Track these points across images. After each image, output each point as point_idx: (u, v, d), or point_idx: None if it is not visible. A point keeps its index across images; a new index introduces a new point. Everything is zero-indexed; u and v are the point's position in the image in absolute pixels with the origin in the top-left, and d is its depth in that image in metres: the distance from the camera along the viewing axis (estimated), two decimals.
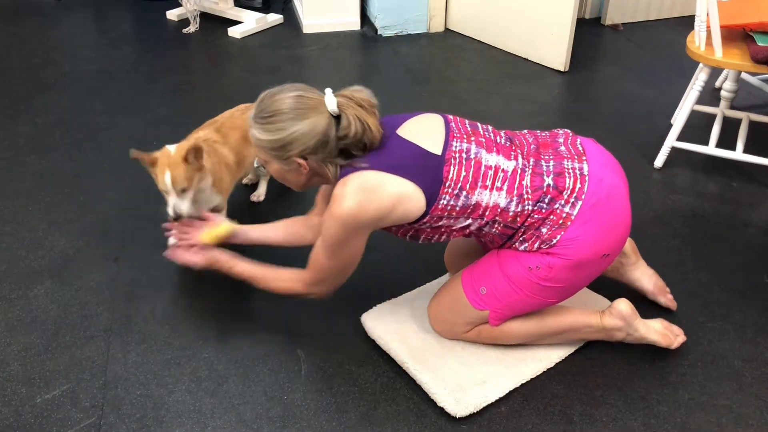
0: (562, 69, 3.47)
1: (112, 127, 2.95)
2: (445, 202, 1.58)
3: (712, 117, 2.95)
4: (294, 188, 1.73)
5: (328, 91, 1.58)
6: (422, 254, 2.17)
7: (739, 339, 1.88)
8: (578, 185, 1.60)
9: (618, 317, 1.74)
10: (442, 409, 1.65)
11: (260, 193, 2.50)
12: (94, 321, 1.94)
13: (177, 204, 1.95)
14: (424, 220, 1.61)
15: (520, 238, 1.63)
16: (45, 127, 2.95)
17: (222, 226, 1.91)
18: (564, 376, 1.76)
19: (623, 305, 1.74)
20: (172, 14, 4.19)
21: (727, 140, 2.71)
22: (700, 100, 3.03)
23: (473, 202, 1.59)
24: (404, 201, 1.56)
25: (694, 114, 2.97)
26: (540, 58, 3.57)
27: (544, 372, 1.76)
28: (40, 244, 2.24)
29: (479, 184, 1.59)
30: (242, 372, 1.78)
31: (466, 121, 1.70)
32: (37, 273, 2.12)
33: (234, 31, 3.94)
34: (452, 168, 1.58)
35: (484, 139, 1.64)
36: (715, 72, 3.26)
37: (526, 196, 1.59)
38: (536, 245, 1.61)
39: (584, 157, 1.65)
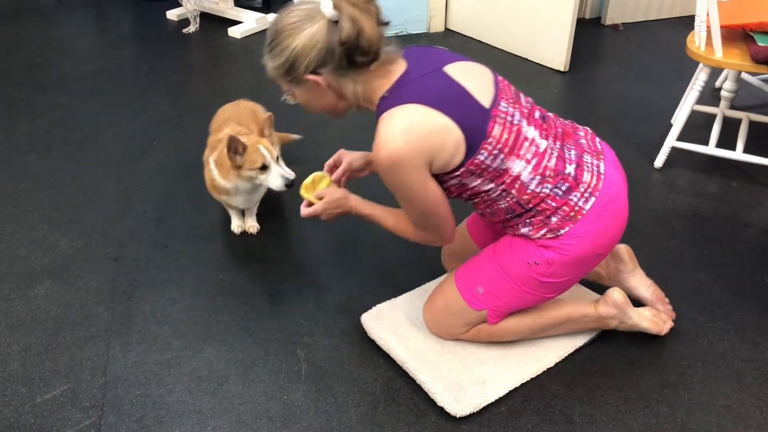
0: (562, 69, 3.47)
1: (112, 127, 2.95)
2: (482, 158, 1.53)
3: (712, 117, 2.95)
4: (332, 115, 1.63)
5: None
6: (422, 254, 2.17)
7: (739, 339, 1.88)
8: (594, 181, 1.61)
9: (612, 305, 1.79)
10: (442, 409, 1.65)
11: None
12: (94, 321, 1.94)
13: (282, 171, 1.96)
14: (457, 173, 1.55)
15: (527, 220, 1.62)
16: (45, 127, 2.95)
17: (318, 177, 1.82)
18: (564, 376, 1.76)
19: (617, 293, 1.80)
20: (172, 14, 4.18)
21: (727, 140, 2.71)
22: (700, 100, 3.03)
23: (505, 167, 1.56)
24: (450, 137, 1.48)
25: (694, 114, 2.97)
26: (540, 58, 3.57)
27: (544, 372, 1.76)
28: (40, 244, 2.24)
29: (515, 151, 1.56)
30: (242, 372, 1.78)
31: (512, 86, 1.66)
32: (37, 273, 2.12)
33: (234, 31, 3.94)
34: (497, 126, 1.53)
35: (525, 110, 1.61)
36: (715, 72, 3.26)
37: (548, 178, 1.58)
38: (541, 232, 1.61)
39: (602, 156, 1.66)
